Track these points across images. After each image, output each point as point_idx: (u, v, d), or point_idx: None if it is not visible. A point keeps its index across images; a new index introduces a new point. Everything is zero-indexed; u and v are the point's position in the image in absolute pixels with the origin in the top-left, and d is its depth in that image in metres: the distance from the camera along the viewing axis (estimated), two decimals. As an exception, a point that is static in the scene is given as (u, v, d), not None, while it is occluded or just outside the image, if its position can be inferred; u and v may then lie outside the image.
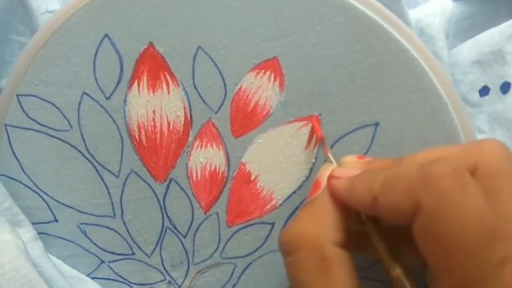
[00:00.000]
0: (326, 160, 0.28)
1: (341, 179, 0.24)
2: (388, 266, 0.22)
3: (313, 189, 0.25)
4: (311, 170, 0.30)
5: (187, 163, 0.31)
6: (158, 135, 0.31)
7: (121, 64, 0.30)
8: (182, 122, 0.31)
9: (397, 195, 0.21)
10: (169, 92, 0.31)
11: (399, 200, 0.21)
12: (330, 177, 0.25)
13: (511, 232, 0.20)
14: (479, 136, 0.31)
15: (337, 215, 0.24)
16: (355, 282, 0.22)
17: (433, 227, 0.19)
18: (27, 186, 0.32)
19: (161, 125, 0.31)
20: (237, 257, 0.32)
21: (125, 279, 0.33)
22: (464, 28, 0.35)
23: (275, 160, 0.31)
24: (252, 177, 0.31)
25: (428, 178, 0.20)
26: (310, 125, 0.30)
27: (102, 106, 0.31)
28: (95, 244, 0.33)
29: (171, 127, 0.31)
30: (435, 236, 0.19)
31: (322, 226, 0.23)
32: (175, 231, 0.32)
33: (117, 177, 0.32)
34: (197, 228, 0.32)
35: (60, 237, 0.33)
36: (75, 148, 0.31)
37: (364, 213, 0.23)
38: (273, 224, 0.31)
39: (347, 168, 0.25)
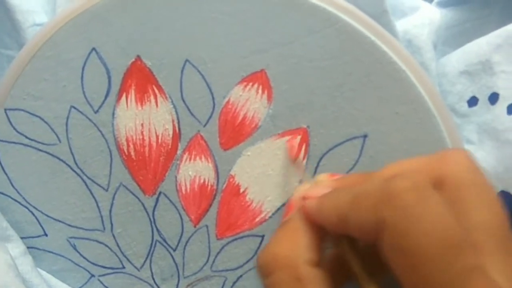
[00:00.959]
0: (301, 180, 0.28)
1: (311, 198, 0.24)
2: (364, 284, 0.22)
3: (287, 210, 0.26)
4: (300, 182, 0.30)
5: (176, 176, 0.31)
6: (146, 149, 0.31)
7: (109, 77, 0.30)
8: (171, 135, 0.31)
9: (363, 212, 0.21)
10: (157, 106, 0.31)
11: (365, 217, 0.21)
12: (303, 197, 0.25)
13: (479, 241, 0.20)
14: (468, 147, 0.31)
15: (310, 234, 0.24)
16: None
17: (397, 243, 0.19)
18: (16, 200, 0.32)
19: (149, 138, 0.31)
20: (227, 270, 0.32)
21: (115, 293, 0.33)
22: (454, 35, 0.35)
23: (264, 173, 0.31)
24: (241, 190, 0.31)
25: (390, 193, 0.20)
26: (299, 137, 0.30)
27: (90, 120, 0.31)
28: (85, 258, 0.33)
29: (159, 141, 0.31)
30: (400, 251, 0.19)
31: (296, 246, 0.23)
32: (165, 244, 0.32)
33: (106, 190, 0.32)
34: (187, 241, 0.32)
35: (49, 251, 0.33)
36: (64, 162, 0.31)
37: (334, 231, 0.24)
38: (262, 236, 0.31)
39: (318, 187, 0.25)
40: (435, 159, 0.22)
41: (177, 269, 0.32)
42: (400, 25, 0.31)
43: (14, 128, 0.31)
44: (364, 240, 0.22)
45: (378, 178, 0.22)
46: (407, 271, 0.19)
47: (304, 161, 0.30)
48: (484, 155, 0.30)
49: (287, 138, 0.30)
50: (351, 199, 0.22)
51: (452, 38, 0.35)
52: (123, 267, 0.33)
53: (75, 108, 0.31)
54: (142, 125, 0.31)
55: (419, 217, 0.19)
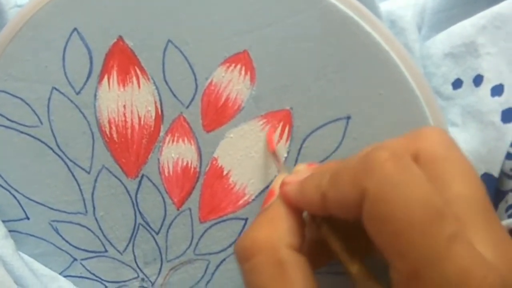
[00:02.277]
0: (279, 171, 0.28)
1: (291, 183, 0.24)
2: (347, 264, 0.22)
3: (267, 198, 0.26)
4: (283, 164, 0.30)
5: (158, 159, 0.31)
6: (129, 131, 0.31)
7: (91, 58, 0.30)
8: (153, 117, 0.31)
9: (343, 186, 0.21)
10: (139, 87, 0.31)
11: (346, 191, 0.21)
12: (282, 184, 0.25)
13: (458, 213, 0.20)
14: (452, 129, 0.31)
15: (291, 219, 0.24)
16: (313, 285, 0.22)
17: (379, 211, 0.19)
18: (-3, 183, 0.32)
19: (132, 120, 0.31)
20: (210, 253, 0.32)
21: (98, 277, 0.33)
22: (441, 20, 0.35)
23: (247, 155, 0.31)
24: (225, 172, 0.31)
25: (369, 164, 0.20)
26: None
27: (72, 102, 0.31)
28: (67, 242, 0.33)
29: (142, 122, 0.31)
30: (382, 220, 0.19)
31: (276, 230, 0.23)
32: (148, 227, 0.32)
33: (88, 173, 0.32)
34: (170, 225, 0.32)
35: (31, 235, 0.33)
36: (46, 144, 0.31)
37: (316, 213, 0.24)
38: (246, 219, 0.31)
39: (297, 174, 0.25)
40: (410, 137, 0.23)
41: (160, 253, 0.32)
42: (384, 5, 0.31)
43: (-5, 110, 0.31)
44: (345, 216, 0.22)
45: (356, 155, 0.22)
46: (389, 238, 0.19)
47: (288, 143, 0.30)
48: (468, 137, 0.30)
49: (264, 121, 0.30)
50: (330, 177, 0.22)
51: (439, 23, 0.35)
52: (106, 251, 0.33)
53: (56, 89, 0.31)
54: (124, 106, 0.31)
55: (399, 184, 0.19)
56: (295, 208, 0.24)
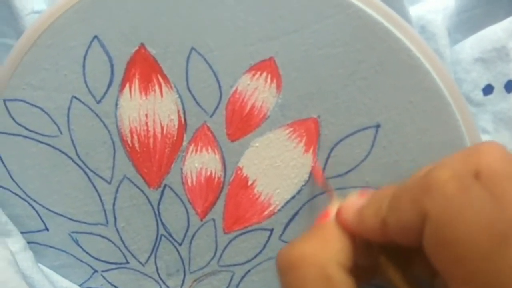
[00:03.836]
0: (332, 201, 0.27)
1: (349, 211, 0.24)
2: None
3: (321, 218, 0.25)
4: (310, 174, 0.30)
5: (181, 169, 0.31)
6: (151, 140, 0.31)
7: (112, 66, 0.30)
8: (176, 126, 0.30)
9: (403, 209, 0.20)
10: (162, 95, 0.30)
11: (406, 214, 0.20)
12: (339, 210, 0.24)
13: None
14: (484, 137, 0.30)
15: (345, 241, 0.23)
16: None
17: (442, 235, 0.19)
18: (16, 194, 0.32)
19: (154, 129, 0.31)
20: (235, 265, 0.32)
21: (119, 289, 0.33)
22: (464, 21, 0.35)
23: (273, 164, 0.30)
24: (249, 182, 0.31)
25: (430, 184, 0.20)
26: (308, 130, 0.30)
27: (92, 111, 0.30)
28: (88, 253, 0.32)
29: (164, 132, 0.31)
30: (445, 243, 0.19)
31: (328, 248, 0.23)
32: (170, 238, 0.32)
33: (109, 183, 0.31)
34: (193, 235, 0.32)
35: (51, 246, 0.32)
36: (65, 154, 0.31)
37: (375, 240, 0.23)
38: (271, 230, 0.31)
39: (353, 199, 0.25)
40: (468, 153, 0.22)
41: (183, 264, 0.32)
42: (414, 10, 0.31)
43: (14, 120, 0.31)
44: (407, 242, 0.21)
45: (415, 176, 0.22)
46: (452, 264, 0.19)
47: (315, 153, 0.30)
48: (500, 145, 0.30)
49: (290, 129, 0.30)
50: (390, 201, 0.22)
51: (462, 24, 0.35)
52: (127, 262, 0.32)
53: (76, 98, 0.30)
54: (146, 115, 0.30)
55: (463, 207, 0.19)
56: (350, 234, 0.24)
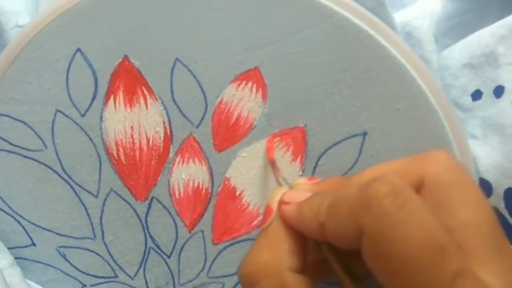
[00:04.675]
0: (279, 184, 0.28)
1: (290, 204, 0.24)
2: (346, 285, 0.22)
3: (265, 215, 0.25)
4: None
5: (168, 180, 0.31)
6: (137, 152, 0.31)
7: (96, 79, 0.30)
8: (162, 138, 0.31)
9: (341, 219, 0.21)
10: (147, 107, 0.30)
11: (343, 225, 0.21)
12: (281, 202, 0.25)
13: (466, 242, 0.20)
14: (472, 142, 0.30)
15: (292, 240, 0.24)
16: None
17: (378, 250, 0.19)
18: (1, 209, 0.32)
19: (140, 141, 0.31)
20: (224, 276, 0.32)
21: (109, 303, 0.33)
22: (455, 26, 0.35)
23: (261, 174, 0.31)
24: (237, 193, 0.31)
25: (367, 199, 0.20)
26: (295, 139, 0.30)
27: (77, 124, 0.31)
28: (76, 268, 0.32)
29: (150, 144, 0.31)
30: (381, 258, 0.19)
31: (278, 253, 0.23)
32: (159, 251, 0.32)
33: (96, 197, 0.31)
34: (182, 247, 0.32)
35: (38, 262, 0.32)
36: (51, 168, 0.31)
37: (315, 238, 0.23)
38: (261, 241, 0.31)
39: (297, 191, 0.25)
40: (415, 161, 0.22)
41: (172, 277, 0.32)
42: (399, 16, 0.31)
43: (-2, 134, 0.31)
44: (344, 247, 0.22)
45: (356, 183, 0.22)
46: (390, 277, 0.19)
47: (303, 162, 0.30)
48: (489, 151, 0.30)
49: (277, 139, 0.30)
50: (328, 206, 0.22)
51: (452, 29, 0.35)
52: (116, 276, 0.32)
53: (60, 111, 0.30)
54: (131, 128, 0.31)
55: (399, 223, 0.19)
56: (295, 229, 0.24)
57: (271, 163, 0.29)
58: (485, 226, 0.21)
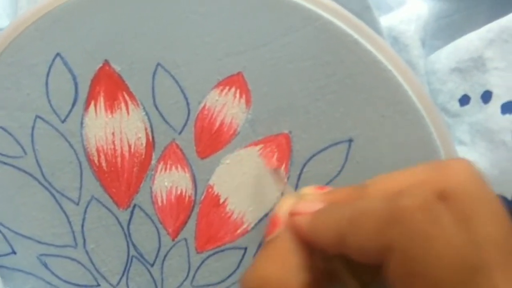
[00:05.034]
0: (283, 193, 0.27)
1: (303, 215, 0.23)
2: None
3: (271, 226, 0.24)
4: (282, 195, 0.30)
5: (151, 188, 0.31)
6: (119, 159, 0.30)
7: (76, 84, 0.30)
8: (144, 144, 0.30)
9: (366, 234, 0.20)
10: (128, 113, 0.30)
11: (368, 240, 0.20)
12: (292, 213, 0.24)
13: (488, 257, 0.20)
14: (460, 148, 0.30)
15: (302, 254, 0.23)
16: None
17: (410, 268, 0.19)
18: (-20, 217, 0.31)
19: (121, 148, 0.30)
20: (208, 285, 0.32)
21: (91, 312, 0.33)
22: (443, 27, 0.34)
23: (245, 182, 0.30)
24: (221, 200, 0.31)
25: (397, 214, 0.19)
26: (280, 145, 0.29)
27: (57, 130, 0.30)
28: (57, 276, 0.32)
29: (132, 150, 0.30)
30: (412, 276, 0.19)
31: (287, 268, 0.22)
32: (142, 259, 0.32)
33: (77, 204, 0.31)
34: (165, 256, 0.31)
35: (19, 270, 0.32)
36: (31, 175, 0.31)
37: (330, 251, 0.23)
38: (245, 249, 0.31)
39: (308, 201, 0.24)
40: (437, 170, 0.21)
41: (156, 285, 0.32)
42: (386, 20, 0.31)
43: (-24, 141, 0.30)
44: (363, 261, 0.21)
45: (379, 195, 0.21)
46: None
47: (285, 172, 0.30)
48: (477, 157, 0.30)
49: (261, 146, 0.30)
50: (350, 218, 0.21)
51: (440, 30, 0.34)
52: (98, 285, 0.32)
53: (40, 117, 0.30)
54: (113, 134, 0.30)
55: (432, 239, 0.18)
56: (306, 241, 0.23)
57: (275, 171, 0.29)
58: (504, 240, 0.20)
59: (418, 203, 0.19)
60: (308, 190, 0.26)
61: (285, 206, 0.25)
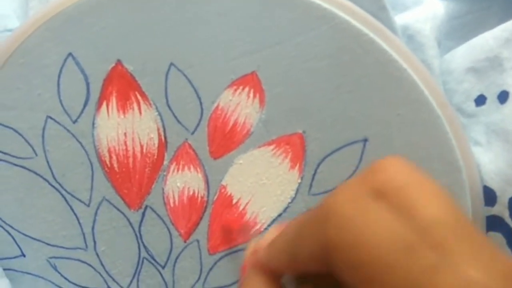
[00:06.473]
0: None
1: (261, 249, 0.24)
2: None
3: (241, 273, 0.26)
4: (296, 191, 0.30)
5: (163, 188, 0.31)
6: (130, 160, 0.31)
7: (88, 84, 0.30)
8: (156, 145, 0.31)
9: (307, 241, 0.21)
10: (140, 113, 0.30)
11: (311, 245, 0.21)
12: (253, 252, 0.25)
13: (439, 239, 0.20)
14: (476, 149, 0.31)
15: (272, 285, 0.24)
16: None
17: (348, 259, 0.19)
18: (-10, 219, 0.32)
19: (133, 148, 0.31)
20: (221, 287, 0.32)
21: (101, 315, 0.33)
22: (456, 27, 0.35)
23: (258, 182, 0.31)
24: (234, 201, 0.31)
25: (327, 211, 0.20)
26: (294, 145, 0.30)
27: (68, 131, 0.31)
28: (67, 279, 0.32)
29: (144, 151, 0.31)
30: (353, 267, 0.19)
31: None
32: (153, 261, 0.32)
33: (88, 206, 0.31)
34: (177, 258, 0.32)
35: (28, 273, 0.32)
36: (41, 176, 0.31)
37: (291, 273, 0.24)
38: (258, 250, 0.31)
39: (265, 236, 0.25)
40: (367, 173, 0.22)
41: (167, 288, 0.32)
42: (401, 19, 0.31)
43: (-14, 141, 0.31)
44: (317, 270, 0.22)
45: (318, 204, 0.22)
46: (365, 284, 0.19)
47: (302, 169, 0.30)
48: (493, 157, 0.30)
49: (275, 146, 0.30)
50: (295, 233, 0.22)
51: (454, 30, 0.35)
52: (108, 287, 0.33)
53: (51, 118, 0.30)
54: (125, 134, 0.31)
55: (363, 227, 0.19)
56: (271, 273, 0.24)
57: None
58: (454, 220, 0.21)
59: (346, 198, 0.20)
60: (271, 229, 0.27)
61: (249, 248, 0.26)
